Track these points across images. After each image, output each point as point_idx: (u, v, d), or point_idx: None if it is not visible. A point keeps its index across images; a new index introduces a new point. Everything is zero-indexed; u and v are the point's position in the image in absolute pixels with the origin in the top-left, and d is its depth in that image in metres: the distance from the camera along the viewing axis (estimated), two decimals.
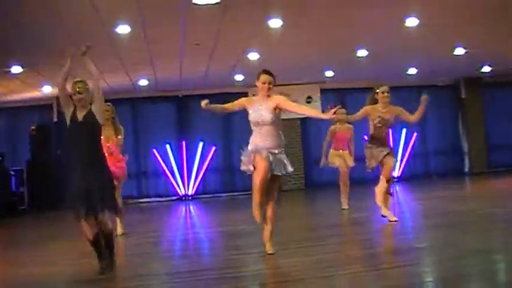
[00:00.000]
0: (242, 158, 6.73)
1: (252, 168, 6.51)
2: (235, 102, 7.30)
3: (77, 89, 5.99)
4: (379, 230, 8.75)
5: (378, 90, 8.68)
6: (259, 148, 6.51)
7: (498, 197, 11.95)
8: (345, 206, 11.01)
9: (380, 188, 8.95)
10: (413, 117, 8.92)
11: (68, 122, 6.01)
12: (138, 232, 9.70)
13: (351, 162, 11.29)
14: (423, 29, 10.85)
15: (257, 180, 6.41)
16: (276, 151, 6.52)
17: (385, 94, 8.61)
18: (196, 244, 8.89)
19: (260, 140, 6.62)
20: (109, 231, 6.11)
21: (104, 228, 6.01)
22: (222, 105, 7.44)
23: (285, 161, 6.56)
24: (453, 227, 7.76)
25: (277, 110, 6.67)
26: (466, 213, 9.21)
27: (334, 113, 6.26)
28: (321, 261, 6.11)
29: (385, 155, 8.79)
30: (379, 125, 8.65)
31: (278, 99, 6.75)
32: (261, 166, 6.39)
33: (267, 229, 6.72)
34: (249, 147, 6.66)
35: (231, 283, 5.43)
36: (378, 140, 8.84)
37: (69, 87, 6.04)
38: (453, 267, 5.34)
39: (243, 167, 6.71)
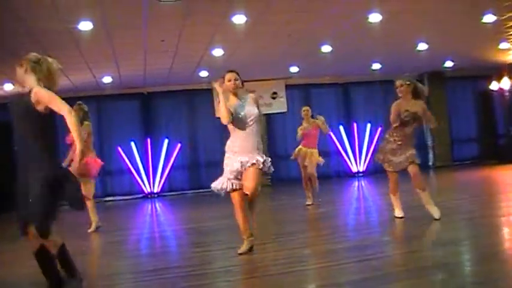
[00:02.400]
0: (223, 178, 6.68)
1: (231, 186, 6.52)
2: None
3: None
4: (344, 224, 8.81)
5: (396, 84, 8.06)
6: (251, 154, 6.44)
7: (461, 190, 12.15)
8: (309, 201, 11.07)
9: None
10: (432, 125, 8.39)
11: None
12: (103, 231, 9.60)
13: (318, 160, 11.31)
14: (386, 24, 10.94)
15: (249, 189, 6.36)
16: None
17: (398, 89, 7.99)
18: (162, 242, 8.83)
19: (250, 142, 6.51)
20: (50, 247, 4.80)
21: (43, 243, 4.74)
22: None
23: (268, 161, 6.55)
24: (417, 220, 7.84)
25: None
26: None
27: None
28: (288, 256, 6.12)
29: (407, 165, 8.11)
30: (407, 119, 7.87)
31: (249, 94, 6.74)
32: (254, 175, 6.34)
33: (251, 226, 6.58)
34: (238, 158, 6.52)
35: (198, 280, 5.41)
36: (402, 136, 8.07)
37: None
38: (417, 259, 5.41)
39: (220, 186, 6.63)
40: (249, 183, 6.29)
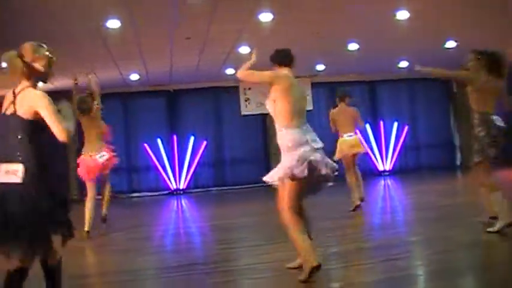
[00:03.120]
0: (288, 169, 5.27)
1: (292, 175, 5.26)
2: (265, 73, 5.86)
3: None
4: (370, 224, 8.77)
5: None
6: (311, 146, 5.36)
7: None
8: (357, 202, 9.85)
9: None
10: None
11: None
12: (128, 227, 9.67)
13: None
14: (414, 22, 10.84)
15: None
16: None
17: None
18: (187, 238, 8.87)
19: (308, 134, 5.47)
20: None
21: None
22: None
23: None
24: (444, 220, 7.78)
25: None
26: (457, 207, 9.23)
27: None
28: None
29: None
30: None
31: None
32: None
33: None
34: (301, 150, 5.26)
35: (222, 277, 5.43)
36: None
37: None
38: (444, 260, 5.35)
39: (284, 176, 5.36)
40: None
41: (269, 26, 10.58)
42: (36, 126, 3.89)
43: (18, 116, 3.90)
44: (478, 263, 5.19)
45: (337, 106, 10.39)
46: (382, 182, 16.28)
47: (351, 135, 10.17)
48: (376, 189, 14.71)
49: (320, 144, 5.45)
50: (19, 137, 3.88)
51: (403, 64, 16.38)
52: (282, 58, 6.06)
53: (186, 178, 17.35)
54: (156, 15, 9.50)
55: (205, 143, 17.43)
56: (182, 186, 17.29)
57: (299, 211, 5.45)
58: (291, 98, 5.46)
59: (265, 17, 9.92)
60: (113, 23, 9.74)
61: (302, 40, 12.23)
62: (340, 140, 10.21)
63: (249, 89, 17.51)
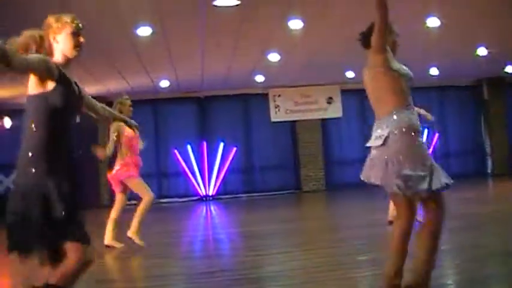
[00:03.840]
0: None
1: None
2: None
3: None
4: None
5: None
6: None
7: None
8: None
9: None
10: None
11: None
12: (158, 232, 9.74)
13: None
14: (444, 29, 10.77)
15: None
16: None
17: None
18: (216, 245, 8.90)
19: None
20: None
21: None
22: None
23: None
24: (475, 229, 7.70)
25: None
26: (488, 215, 9.12)
27: None
28: (342, 262, 6.09)
29: None
30: None
31: None
32: None
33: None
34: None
35: (250, 284, 5.44)
36: None
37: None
38: (475, 270, 5.29)
39: None
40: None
41: (299, 33, 10.59)
42: None
43: None
44: (509, 272, 5.12)
45: None
46: None
47: None
48: None
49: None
50: None
51: (434, 71, 16.27)
52: None
53: (215, 184, 17.43)
54: (187, 22, 9.59)
55: (235, 149, 17.49)
56: (211, 192, 17.36)
57: None
58: None
59: (295, 24, 9.95)
60: (144, 30, 9.85)
61: (331, 47, 12.23)
62: None
63: (279, 95, 17.55)
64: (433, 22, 10.33)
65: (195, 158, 17.36)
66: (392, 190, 4.12)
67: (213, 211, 14.64)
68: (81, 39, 3.60)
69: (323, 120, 17.93)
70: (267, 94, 17.57)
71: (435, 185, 4.11)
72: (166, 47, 11.23)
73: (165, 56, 12.08)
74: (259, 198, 16.76)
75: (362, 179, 4.49)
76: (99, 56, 10.88)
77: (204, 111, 17.75)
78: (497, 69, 16.98)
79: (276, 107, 17.67)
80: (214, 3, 8.54)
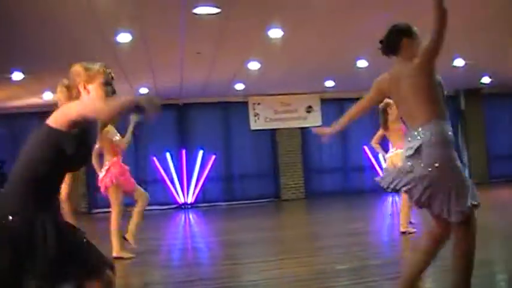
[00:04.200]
0: None
1: None
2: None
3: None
4: (377, 240, 8.74)
5: None
6: None
7: (498, 208, 11.94)
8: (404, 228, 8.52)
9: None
10: None
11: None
12: (135, 240, 9.67)
13: None
14: (421, 39, 10.86)
15: None
16: None
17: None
18: (194, 253, 8.87)
19: None
20: None
21: None
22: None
23: None
24: (451, 237, 7.74)
25: None
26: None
27: None
28: (320, 271, 6.10)
29: None
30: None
31: None
32: None
33: None
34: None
35: None
36: None
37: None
38: (447, 280, 5.33)
39: None
40: None
41: (279, 42, 10.62)
42: None
43: None
44: (485, 281, 5.16)
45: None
46: (390, 198, 16.23)
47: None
48: (384, 205, 14.68)
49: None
50: None
51: None
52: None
53: (194, 192, 17.37)
54: (167, 29, 9.57)
55: (214, 157, 17.45)
56: (190, 200, 17.30)
57: None
58: None
59: (275, 33, 9.97)
60: (124, 37, 9.81)
61: (311, 56, 12.28)
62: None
63: (258, 104, 17.58)
64: None
65: (174, 166, 17.29)
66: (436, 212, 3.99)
67: (192, 219, 14.59)
68: (113, 89, 3.63)
69: (302, 128, 17.97)
70: (246, 102, 17.59)
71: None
72: (146, 54, 11.20)
73: (145, 63, 12.04)
74: (238, 207, 16.73)
75: (385, 186, 4.15)
76: (79, 62, 10.81)
77: (183, 118, 17.71)
78: (474, 80, 17.17)
79: (255, 115, 17.69)
80: (195, 11, 8.53)
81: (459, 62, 13.65)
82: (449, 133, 4.08)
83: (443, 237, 4.13)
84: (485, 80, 17.10)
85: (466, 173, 4.09)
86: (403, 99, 4.19)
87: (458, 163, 4.08)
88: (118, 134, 8.06)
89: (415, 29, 4.38)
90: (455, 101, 19.22)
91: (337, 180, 18.30)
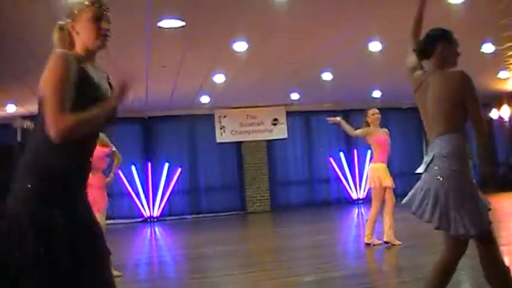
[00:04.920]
0: None
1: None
2: None
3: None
4: (343, 252, 8.79)
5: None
6: None
7: None
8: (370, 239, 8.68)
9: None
10: None
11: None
12: None
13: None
14: (386, 53, 11.01)
15: None
16: None
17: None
18: (160, 267, 8.81)
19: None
20: None
21: None
22: None
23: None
24: (418, 247, 7.84)
25: None
26: (433, 234, 9.28)
27: None
28: (286, 284, 6.11)
29: None
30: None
31: None
32: None
33: None
34: None
35: None
36: None
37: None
38: None
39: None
40: None
41: (244, 55, 10.66)
42: None
43: None
44: None
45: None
46: (356, 210, 16.36)
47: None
48: (350, 217, 14.79)
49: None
50: None
51: (377, 94, 16.59)
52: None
53: (160, 205, 17.26)
54: (132, 42, 9.54)
55: (179, 170, 17.38)
56: (156, 213, 17.19)
57: None
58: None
59: (240, 46, 10.01)
60: None
61: (277, 69, 12.35)
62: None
63: (224, 116, 17.60)
64: (375, 46, 10.54)
65: (140, 179, 17.18)
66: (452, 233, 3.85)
67: (158, 233, 14.50)
68: (105, 26, 2.95)
69: (268, 141, 18.03)
70: (212, 115, 17.58)
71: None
72: (111, 67, 11.14)
73: (110, 77, 11.97)
74: (204, 220, 16.68)
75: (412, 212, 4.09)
76: (41, 73, 10.71)
77: (149, 131, 17.62)
78: None
79: (221, 128, 17.69)
80: (159, 24, 8.53)
81: None
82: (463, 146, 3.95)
83: (452, 264, 3.95)
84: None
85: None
86: (425, 107, 4.21)
87: (469, 176, 3.93)
88: None
89: (452, 34, 4.18)
90: (419, 112, 19.43)
91: (303, 192, 18.36)
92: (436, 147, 3.95)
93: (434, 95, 4.04)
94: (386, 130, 9.22)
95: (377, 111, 9.11)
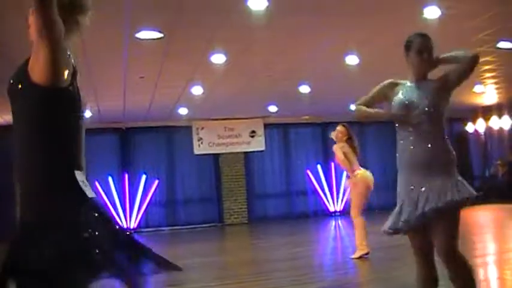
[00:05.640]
0: None
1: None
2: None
3: None
4: (320, 264, 8.81)
5: None
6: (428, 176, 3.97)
7: None
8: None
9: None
10: None
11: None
12: None
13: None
14: (363, 66, 11.10)
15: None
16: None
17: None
18: None
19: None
20: None
21: None
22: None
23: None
24: (393, 260, 7.88)
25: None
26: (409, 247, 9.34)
27: None
28: None
29: None
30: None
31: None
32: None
33: None
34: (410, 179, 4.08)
35: None
36: None
37: None
38: None
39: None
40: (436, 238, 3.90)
41: (222, 68, 10.69)
42: None
43: None
44: None
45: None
46: (333, 222, 16.40)
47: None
48: (326, 229, 14.82)
49: None
50: None
51: (354, 107, 16.66)
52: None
53: (137, 217, 17.17)
54: (109, 53, 9.52)
55: (157, 181, 17.32)
56: (133, 225, 17.09)
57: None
58: None
59: (218, 58, 10.04)
60: None
61: (254, 82, 12.39)
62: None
63: (202, 128, 17.59)
64: (352, 60, 10.62)
65: (116, 190, 17.08)
66: None
67: None
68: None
69: (246, 153, 18.05)
70: (190, 127, 17.57)
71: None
72: (88, 77, 11.09)
73: (87, 86, 11.91)
74: (181, 232, 16.62)
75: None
76: None
77: (126, 142, 17.54)
78: None
79: (199, 140, 17.67)
80: (137, 35, 8.53)
81: None
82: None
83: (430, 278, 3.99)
84: None
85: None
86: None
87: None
88: None
89: (408, 41, 4.26)
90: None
91: (280, 204, 18.37)
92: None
93: None
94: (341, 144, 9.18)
95: (338, 128, 9.35)
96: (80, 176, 2.74)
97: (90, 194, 2.68)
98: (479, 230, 12.15)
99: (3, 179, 13.04)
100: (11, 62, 3.29)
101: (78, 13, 2.76)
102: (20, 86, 2.59)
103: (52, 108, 2.57)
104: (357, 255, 8.37)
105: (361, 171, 8.87)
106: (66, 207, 2.52)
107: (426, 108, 4.00)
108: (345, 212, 18.47)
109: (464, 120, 19.24)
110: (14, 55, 8.86)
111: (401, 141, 4.07)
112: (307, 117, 18.12)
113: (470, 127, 19.43)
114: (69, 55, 2.66)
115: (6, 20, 7.39)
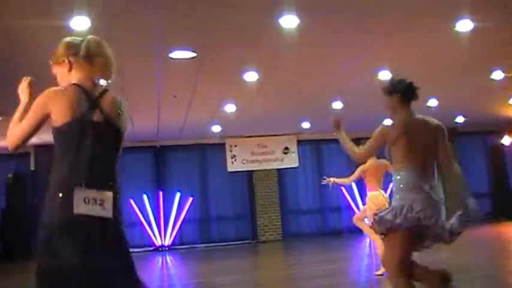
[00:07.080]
0: None
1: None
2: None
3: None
4: (355, 282, 8.75)
5: None
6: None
7: (471, 247, 12.01)
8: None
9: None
10: None
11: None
12: None
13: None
14: None
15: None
16: None
17: None
18: None
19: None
20: None
21: None
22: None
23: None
24: None
25: None
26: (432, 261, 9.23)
27: None
28: None
29: None
30: None
31: None
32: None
33: None
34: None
35: None
36: None
37: None
38: None
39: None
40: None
41: (254, 85, 10.75)
42: None
43: (114, 126, 3.25)
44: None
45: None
46: (367, 239, 16.23)
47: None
48: (361, 246, 14.70)
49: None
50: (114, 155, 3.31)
51: (388, 122, 16.57)
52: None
53: (171, 234, 17.26)
54: (144, 73, 9.66)
55: (191, 199, 17.41)
56: (167, 242, 17.19)
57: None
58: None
59: (250, 76, 10.11)
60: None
61: (287, 98, 12.43)
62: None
63: (235, 146, 17.66)
64: (384, 75, 10.59)
65: (151, 208, 17.21)
66: None
67: (169, 262, 14.48)
68: None
69: (279, 170, 18.06)
70: (223, 144, 17.66)
71: None
72: (123, 96, 11.25)
73: None
74: (215, 249, 16.65)
75: None
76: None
77: (160, 160, 17.70)
78: (449, 119, 17.40)
79: (232, 157, 17.74)
80: (171, 55, 8.65)
81: (433, 102, 13.87)
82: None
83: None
84: (460, 119, 17.32)
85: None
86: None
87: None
88: None
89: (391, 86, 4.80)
90: None
91: (314, 221, 18.32)
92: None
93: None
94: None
95: None
96: (82, 193, 3.02)
97: (98, 212, 3.06)
98: None
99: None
100: None
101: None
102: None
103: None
104: (381, 271, 8.28)
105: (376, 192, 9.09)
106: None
107: None
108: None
109: (500, 133, 18.98)
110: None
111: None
112: None
113: (506, 140, 19.14)
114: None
115: None
